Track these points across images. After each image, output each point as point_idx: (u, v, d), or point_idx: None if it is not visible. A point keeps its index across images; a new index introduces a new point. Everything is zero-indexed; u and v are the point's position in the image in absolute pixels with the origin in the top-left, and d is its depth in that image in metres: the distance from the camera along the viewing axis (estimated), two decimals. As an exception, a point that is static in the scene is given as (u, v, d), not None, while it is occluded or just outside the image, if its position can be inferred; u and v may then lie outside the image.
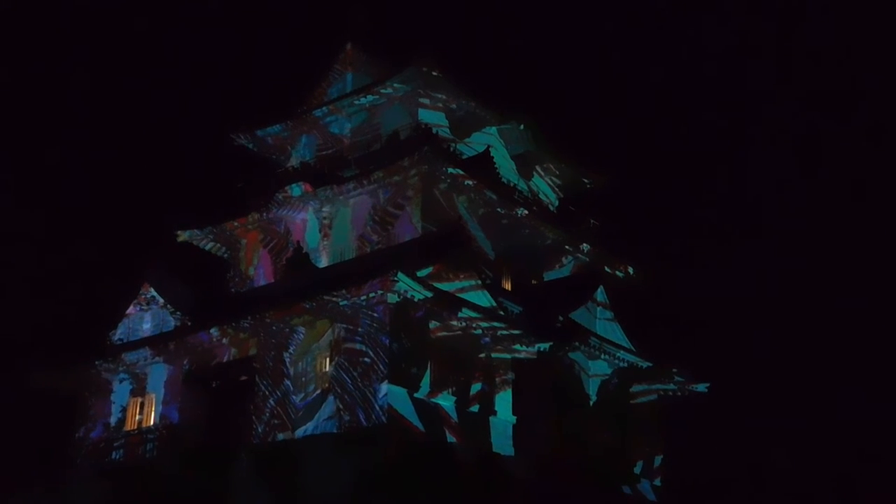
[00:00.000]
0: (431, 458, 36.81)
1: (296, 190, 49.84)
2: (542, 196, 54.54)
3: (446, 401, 39.05)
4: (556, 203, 55.65)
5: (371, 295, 37.29)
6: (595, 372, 46.37)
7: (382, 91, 50.52)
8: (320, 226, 49.52)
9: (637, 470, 47.24)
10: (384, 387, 36.72)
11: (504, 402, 41.32)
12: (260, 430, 40.06)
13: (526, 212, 49.30)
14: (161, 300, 46.09)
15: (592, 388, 46.34)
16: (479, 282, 41.22)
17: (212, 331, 42.23)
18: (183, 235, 53.30)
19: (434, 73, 48.83)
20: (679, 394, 48.75)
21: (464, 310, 38.85)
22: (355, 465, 35.32)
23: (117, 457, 44.59)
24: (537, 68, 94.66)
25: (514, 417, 41.42)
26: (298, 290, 40.63)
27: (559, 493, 40.47)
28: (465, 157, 49.16)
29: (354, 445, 36.09)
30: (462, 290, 40.11)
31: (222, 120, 57.99)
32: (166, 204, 76.08)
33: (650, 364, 47.22)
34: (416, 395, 37.76)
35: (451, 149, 48.94)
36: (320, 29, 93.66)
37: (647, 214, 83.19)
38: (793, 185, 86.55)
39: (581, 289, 48.03)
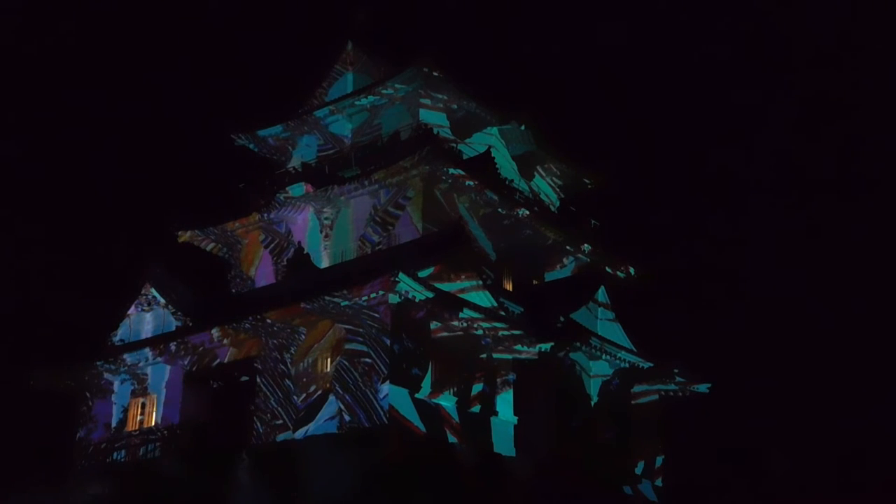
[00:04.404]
0: (432, 458, 36.85)
1: (297, 190, 49.88)
2: (543, 196, 54.55)
3: (447, 401, 39.06)
4: (557, 203, 55.65)
5: (372, 295, 37.30)
6: (596, 372, 46.39)
7: (383, 91, 50.52)
8: (321, 226, 49.53)
9: (638, 470, 47.25)
10: (385, 387, 36.74)
11: (505, 402, 41.34)
12: (261, 430, 40.08)
13: (527, 212, 49.32)
14: (162, 300, 46.09)
15: (593, 389, 46.35)
16: (480, 282, 41.23)
17: (213, 331, 42.25)
18: (184, 236, 53.30)
19: (435, 74, 48.83)
20: (680, 394, 48.77)
21: (465, 310, 38.86)
22: (356, 466, 35.34)
23: (119, 457, 44.57)
24: (538, 68, 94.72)
25: (516, 418, 41.43)
26: (299, 291, 40.65)
27: (560, 494, 40.49)
28: (466, 157, 49.16)
29: (355, 446, 36.12)
30: (463, 290, 40.12)
31: (223, 120, 57.91)
32: (167, 204, 76.09)
33: (651, 364, 47.21)
34: (417, 395, 37.77)
35: (452, 149, 48.94)
36: (320, 29, 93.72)
37: (648, 214, 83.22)
38: (794, 184, 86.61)
39: (582, 289, 48.03)
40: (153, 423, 44.29)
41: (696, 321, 69.40)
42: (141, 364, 44.98)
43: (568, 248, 52.25)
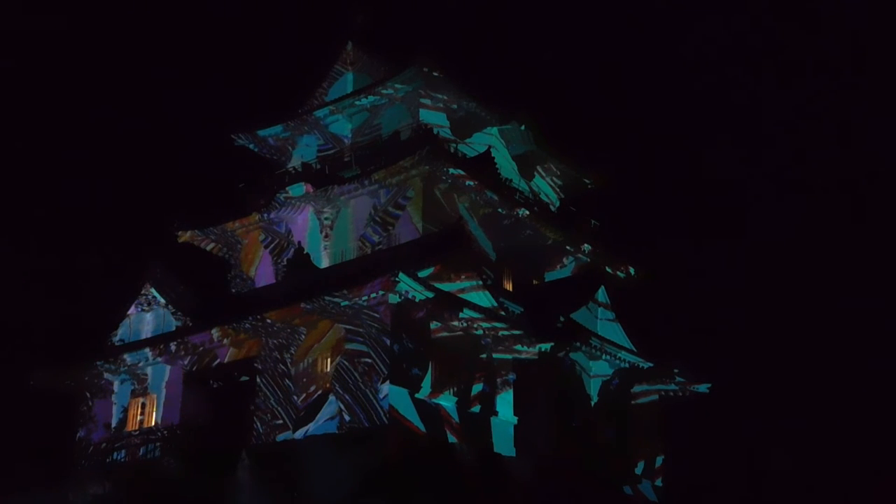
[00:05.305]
0: (432, 458, 36.84)
1: (297, 190, 49.88)
2: (543, 196, 54.55)
3: (447, 401, 39.06)
4: (557, 203, 55.65)
5: (372, 295, 37.32)
6: (596, 372, 46.40)
7: (383, 91, 50.53)
8: (321, 226, 49.54)
9: (638, 470, 47.25)
10: (385, 387, 36.75)
11: (505, 402, 41.34)
12: (261, 430, 40.09)
13: (527, 212, 49.33)
14: (162, 300, 46.11)
15: (593, 389, 46.36)
16: (480, 282, 41.23)
17: (213, 331, 42.25)
18: (184, 236, 53.30)
19: (435, 74, 48.84)
20: (680, 394, 48.76)
21: (465, 310, 38.87)
22: (356, 466, 35.37)
23: (119, 457, 44.57)
24: (538, 68, 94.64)
25: (516, 418, 41.44)
26: (299, 291, 40.66)
27: (560, 494, 40.49)
28: (466, 157, 49.17)
29: (355, 446, 36.13)
30: (463, 290, 40.12)
31: (223, 120, 57.92)
32: (167, 204, 76.04)
33: (651, 364, 47.23)
34: (417, 395, 37.78)
35: (452, 149, 48.95)
36: (320, 29, 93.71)
37: (648, 214, 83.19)
38: (794, 183, 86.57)
39: (582, 289, 48.03)
40: (153, 423, 44.30)
41: (696, 321, 69.39)
42: (141, 364, 44.99)
43: (568, 248, 52.25)
